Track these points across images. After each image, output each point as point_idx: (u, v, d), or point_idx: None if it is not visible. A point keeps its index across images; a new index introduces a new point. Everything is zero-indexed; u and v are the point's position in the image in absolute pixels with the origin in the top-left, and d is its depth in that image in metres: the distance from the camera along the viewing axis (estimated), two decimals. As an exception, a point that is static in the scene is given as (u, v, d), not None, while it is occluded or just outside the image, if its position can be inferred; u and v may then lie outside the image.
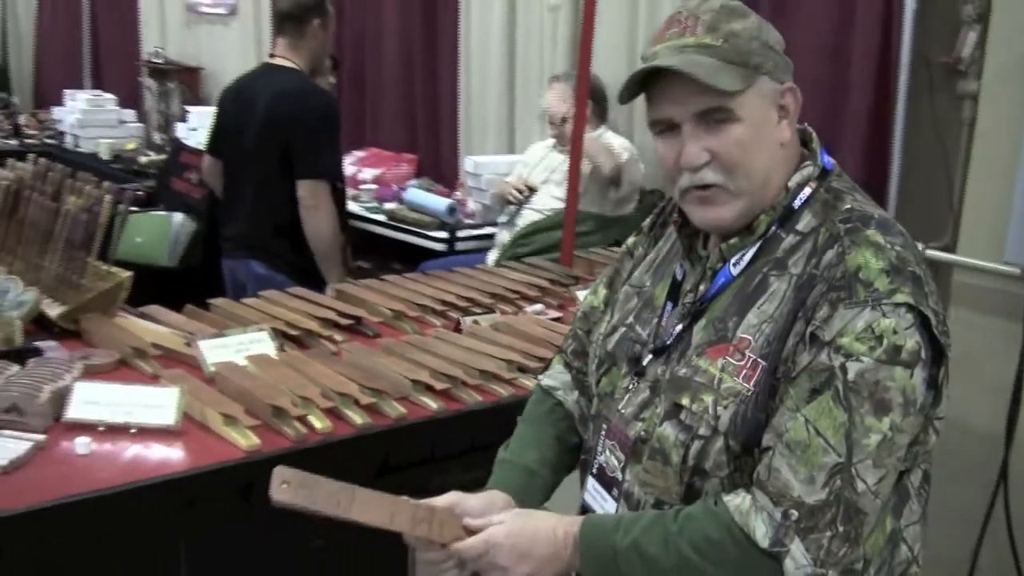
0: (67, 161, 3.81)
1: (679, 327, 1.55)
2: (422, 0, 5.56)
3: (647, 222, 1.78)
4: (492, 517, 1.52)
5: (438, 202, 5.02)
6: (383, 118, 5.97)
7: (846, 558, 1.37)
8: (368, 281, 3.27)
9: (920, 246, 3.13)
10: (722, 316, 1.49)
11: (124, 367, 2.42)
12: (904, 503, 1.50)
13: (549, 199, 4.34)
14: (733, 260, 1.52)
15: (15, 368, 2.23)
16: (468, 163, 5.06)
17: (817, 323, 1.38)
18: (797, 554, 1.35)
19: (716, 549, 1.38)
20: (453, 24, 5.37)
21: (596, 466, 1.64)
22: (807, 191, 1.51)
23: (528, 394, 1.86)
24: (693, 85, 1.42)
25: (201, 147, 4.64)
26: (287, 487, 1.44)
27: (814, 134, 1.58)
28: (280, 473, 1.46)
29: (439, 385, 2.35)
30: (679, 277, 1.61)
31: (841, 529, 1.36)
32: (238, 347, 2.46)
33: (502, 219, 4.54)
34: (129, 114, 7.03)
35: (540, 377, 1.85)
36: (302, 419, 2.13)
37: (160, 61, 7.33)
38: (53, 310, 2.63)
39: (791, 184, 1.51)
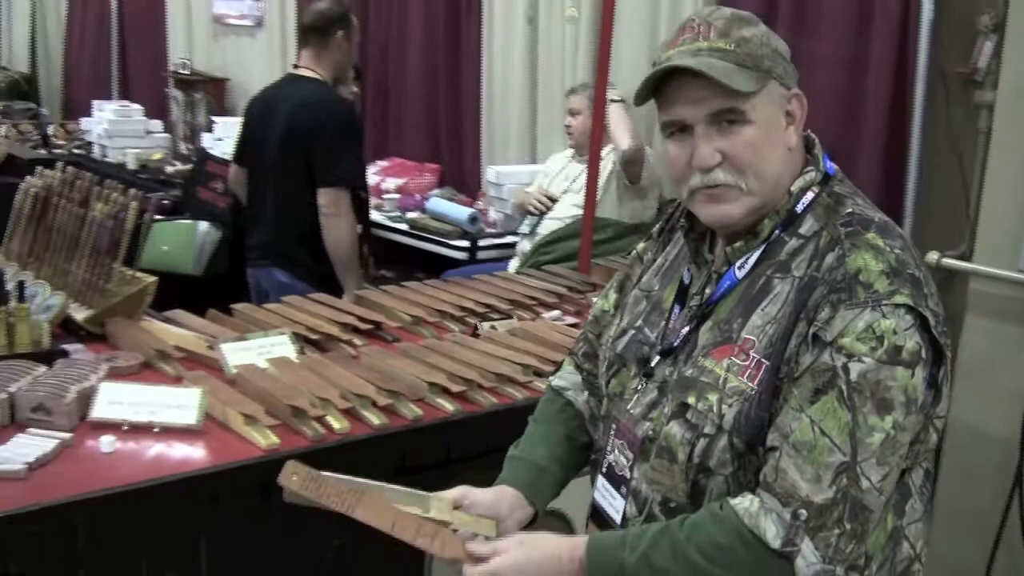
0: (95, 171, 3.84)
1: (686, 329, 1.58)
2: (446, 12, 5.62)
3: (656, 228, 1.82)
4: (496, 545, 1.54)
5: (460, 211, 5.05)
6: (407, 128, 6.02)
7: (853, 554, 1.41)
8: (388, 287, 3.32)
9: (936, 255, 3.19)
10: (727, 318, 1.53)
11: (148, 369, 2.47)
12: (906, 501, 1.53)
13: (569, 208, 4.36)
14: (738, 263, 1.55)
15: (42, 369, 2.28)
16: (490, 173, 5.09)
17: (819, 324, 1.41)
18: (807, 552, 1.38)
19: (725, 553, 1.41)
20: (476, 36, 5.42)
21: (606, 465, 1.67)
22: (810, 195, 1.54)
23: (542, 397, 1.90)
24: (707, 87, 1.47)
25: (227, 157, 4.71)
26: (296, 479, 1.49)
27: (817, 140, 1.62)
28: (292, 465, 1.51)
29: (455, 388, 2.40)
30: (686, 281, 1.64)
31: (848, 527, 1.39)
32: (259, 350, 2.51)
33: (523, 229, 4.57)
34: (156, 124, 7.07)
35: (551, 378, 1.89)
36: (320, 419, 2.18)
37: (187, 72, 7.42)
38: (80, 314, 2.69)
39: (794, 189, 1.54)
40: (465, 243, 4.87)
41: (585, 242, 3.71)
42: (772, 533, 1.39)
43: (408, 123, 6.01)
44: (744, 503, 1.42)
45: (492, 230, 5.05)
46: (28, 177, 3.00)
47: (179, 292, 3.15)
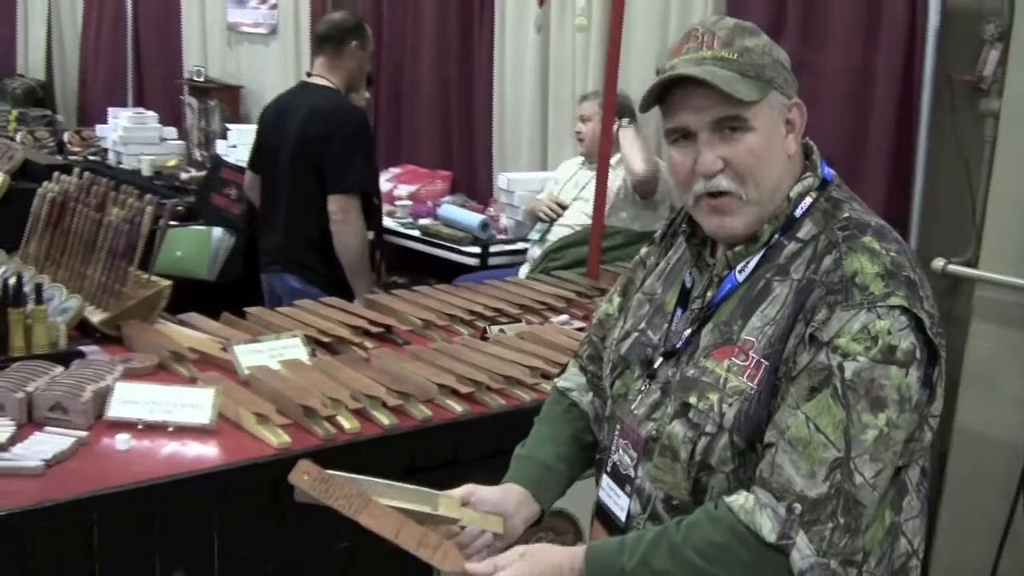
0: (110, 177, 3.89)
1: (688, 331, 1.61)
2: (458, 21, 5.67)
3: (658, 233, 1.85)
4: (495, 561, 1.56)
5: (471, 218, 5.08)
6: (419, 136, 6.07)
7: (846, 548, 1.43)
8: (399, 292, 3.35)
9: (942, 261, 3.21)
10: (728, 320, 1.56)
11: (162, 370, 2.51)
12: (903, 497, 1.55)
13: (579, 215, 4.39)
14: (739, 267, 1.59)
15: (59, 369, 2.32)
16: (502, 180, 5.12)
17: (816, 325, 1.45)
18: (802, 545, 1.41)
19: (722, 552, 1.44)
20: (488, 45, 5.47)
21: (610, 464, 1.70)
22: (808, 201, 1.58)
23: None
24: (711, 96, 1.50)
25: (241, 164, 4.76)
26: (307, 478, 1.52)
27: (815, 147, 1.65)
28: (303, 464, 1.54)
29: (464, 389, 2.43)
30: (688, 284, 1.68)
31: (842, 521, 1.42)
32: (271, 352, 2.55)
33: (533, 235, 4.60)
34: (170, 131, 7.12)
35: (556, 379, 1.92)
36: (331, 419, 2.21)
37: (201, 79, 7.45)
38: (95, 316, 2.72)
39: (793, 194, 1.58)
40: (476, 249, 4.91)
41: (594, 247, 3.74)
42: (768, 528, 1.42)
43: (421, 131, 6.05)
44: (739, 500, 1.45)
45: (503, 236, 5.08)
46: (46, 182, 3.03)
47: (193, 297, 3.19)
